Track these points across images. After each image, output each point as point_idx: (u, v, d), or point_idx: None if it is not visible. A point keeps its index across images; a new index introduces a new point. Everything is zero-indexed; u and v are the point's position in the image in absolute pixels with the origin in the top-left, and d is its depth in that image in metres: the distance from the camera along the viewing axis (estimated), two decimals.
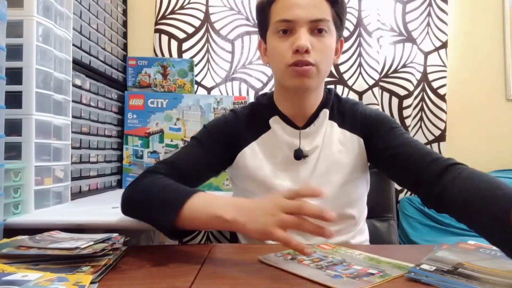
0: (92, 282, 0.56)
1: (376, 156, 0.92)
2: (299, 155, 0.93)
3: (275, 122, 0.95)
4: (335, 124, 0.96)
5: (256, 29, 1.77)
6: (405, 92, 1.81)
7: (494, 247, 0.68)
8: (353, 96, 1.78)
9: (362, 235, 1.01)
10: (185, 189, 0.77)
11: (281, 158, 0.94)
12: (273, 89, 1.01)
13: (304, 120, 0.95)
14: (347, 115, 0.96)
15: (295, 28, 0.85)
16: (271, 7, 0.89)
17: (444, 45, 1.84)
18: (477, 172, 0.72)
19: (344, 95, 1.78)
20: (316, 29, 0.85)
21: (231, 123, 0.97)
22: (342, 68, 1.80)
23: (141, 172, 0.87)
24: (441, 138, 1.85)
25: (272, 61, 0.92)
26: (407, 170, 0.83)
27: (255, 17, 1.78)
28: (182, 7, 1.76)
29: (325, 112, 0.95)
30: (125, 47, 1.77)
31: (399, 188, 1.77)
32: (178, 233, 0.75)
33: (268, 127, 0.95)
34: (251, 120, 0.97)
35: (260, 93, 1.05)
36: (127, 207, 0.83)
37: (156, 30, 1.76)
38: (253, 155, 0.94)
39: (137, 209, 0.81)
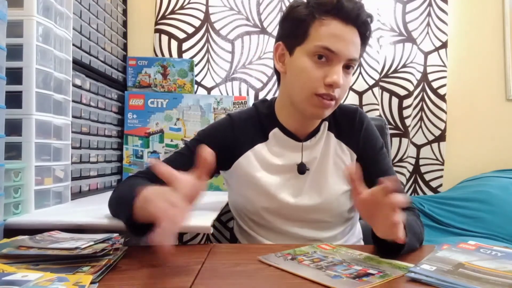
0: (92, 282, 0.56)
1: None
2: (303, 169, 0.93)
3: (275, 135, 0.94)
4: (332, 135, 0.97)
5: (256, 29, 1.79)
6: (405, 92, 1.81)
7: (495, 247, 0.74)
8: (353, 96, 1.78)
9: (356, 236, 1.06)
10: (138, 186, 0.74)
11: (281, 170, 0.93)
12: (274, 95, 1.00)
13: (305, 133, 0.95)
14: (345, 127, 0.97)
15: (333, 60, 0.84)
16: (314, 23, 0.85)
17: (444, 45, 1.84)
18: (419, 219, 0.88)
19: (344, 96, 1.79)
20: (346, 65, 0.86)
21: (225, 131, 0.96)
22: None
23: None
24: (441, 138, 1.85)
25: (295, 80, 0.88)
26: None
27: (255, 17, 1.81)
28: (182, 7, 1.76)
29: (325, 124, 0.96)
30: (125, 47, 1.77)
31: None
32: (143, 228, 0.73)
33: (265, 138, 0.94)
34: (247, 128, 0.95)
35: (260, 99, 1.03)
36: (109, 208, 0.88)
37: (156, 30, 1.75)
38: (251, 165, 0.93)
39: (113, 210, 0.86)
